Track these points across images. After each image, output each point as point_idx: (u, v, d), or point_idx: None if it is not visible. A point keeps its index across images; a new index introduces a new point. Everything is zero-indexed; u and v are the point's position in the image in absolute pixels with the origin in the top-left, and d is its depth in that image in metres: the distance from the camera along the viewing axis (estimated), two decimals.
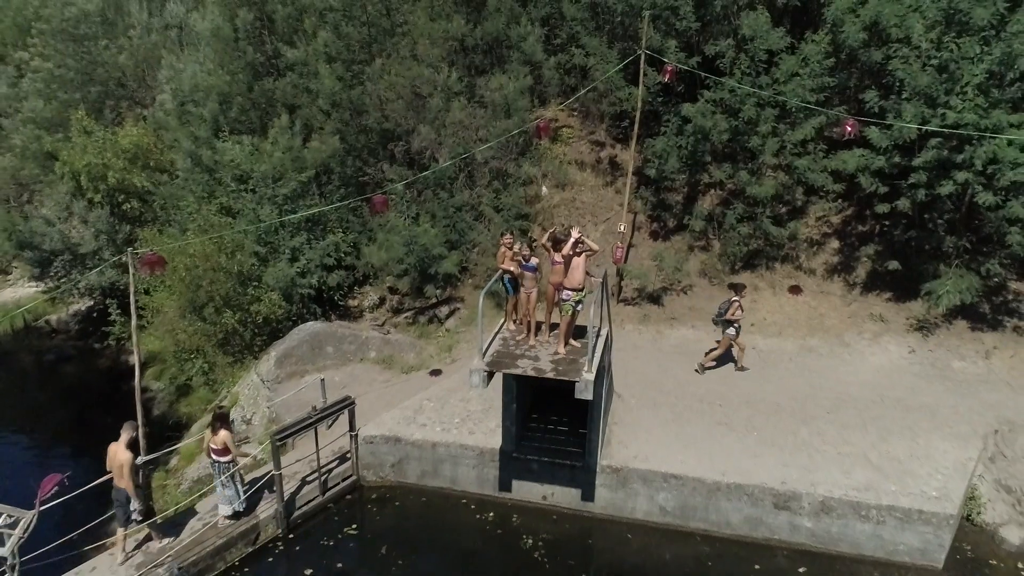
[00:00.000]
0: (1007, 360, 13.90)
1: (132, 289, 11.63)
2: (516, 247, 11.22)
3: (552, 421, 12.68)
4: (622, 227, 16.16)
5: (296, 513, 11.54)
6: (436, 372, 14.95)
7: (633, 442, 11.95)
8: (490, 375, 10.13)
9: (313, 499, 11.87)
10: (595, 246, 10.61)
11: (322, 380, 12.80)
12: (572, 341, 10.72)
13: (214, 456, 10.51)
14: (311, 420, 11.47)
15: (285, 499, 11.31)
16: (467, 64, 18.98)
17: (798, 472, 11.17)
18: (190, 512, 11.37)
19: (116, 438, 9.72)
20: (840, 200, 16.46)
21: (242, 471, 11.03)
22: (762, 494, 10.97)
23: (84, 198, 21.55)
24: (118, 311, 20.91)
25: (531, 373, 10.06)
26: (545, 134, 16.28)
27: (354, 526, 11.74)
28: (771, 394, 13.27)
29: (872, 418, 12.42)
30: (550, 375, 9.98)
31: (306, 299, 17.41)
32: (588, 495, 11.73)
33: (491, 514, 11.96)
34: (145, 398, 19.87)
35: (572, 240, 10.22)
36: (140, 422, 11.59)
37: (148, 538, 10.49)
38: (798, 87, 14.94)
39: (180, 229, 18.80)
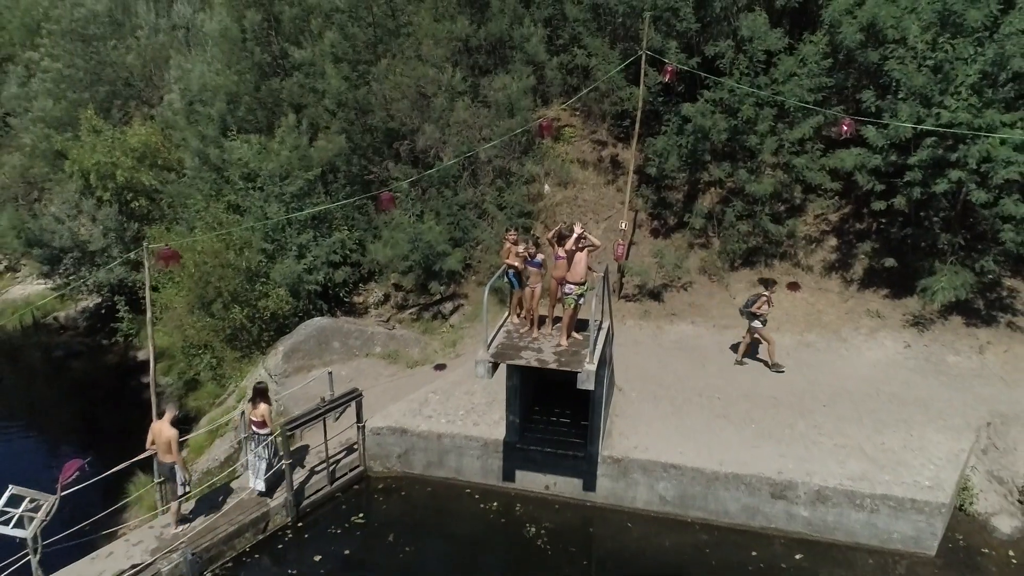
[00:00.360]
0: (1000, 355, 14.16)
1: (147, 283, 11.91)
2: (521, 248, 11.51)
3: (554, 413, 12.97)
4: (623, 225, 16.45)
5: (305, 502, 11.84)
6: (441, 367, 15.23)
7: (633, 433, 12.24)
8: (495, 366, 10.44)
9: (321, 488, 12.17)
10: (597, 242, 10.91)
11: (329, 373, 13.09)
12: (574, 334, 11.03)
13: (254, 428, 11.20)
14: (320, 411, 11.77)
15: (294, 488, 11.60)
16: (471, 64, 19.28)
17: (795, 463, 11.45)
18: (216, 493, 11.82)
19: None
20: (838, 198, 16.71)
21: (279, 445, 11.48)
22: (759, 484, 11.25)
23: (93, 196, 21.91)
24: (126, 308, 21.28)
25: (534, 364, 10.36)
26: (548, 133, 16.57)
27: (361, 515, 12.03)
28: (769, 388, 13.54)
29: (868, 411, 12.69)
30: (553, 366, 10.28)
31: (312, 295, 17.71)
32: (590, 485, 12.02)
33: (495, 503, 12.26)
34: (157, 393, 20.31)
35: (575, 235, 10.51)
36: (155, 413, 11.93)
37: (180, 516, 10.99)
38: (796, 87, 15.21)
39: (188, 227, 19.11)
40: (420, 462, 12.82)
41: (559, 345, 10.80)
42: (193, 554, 10.18)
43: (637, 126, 16.59)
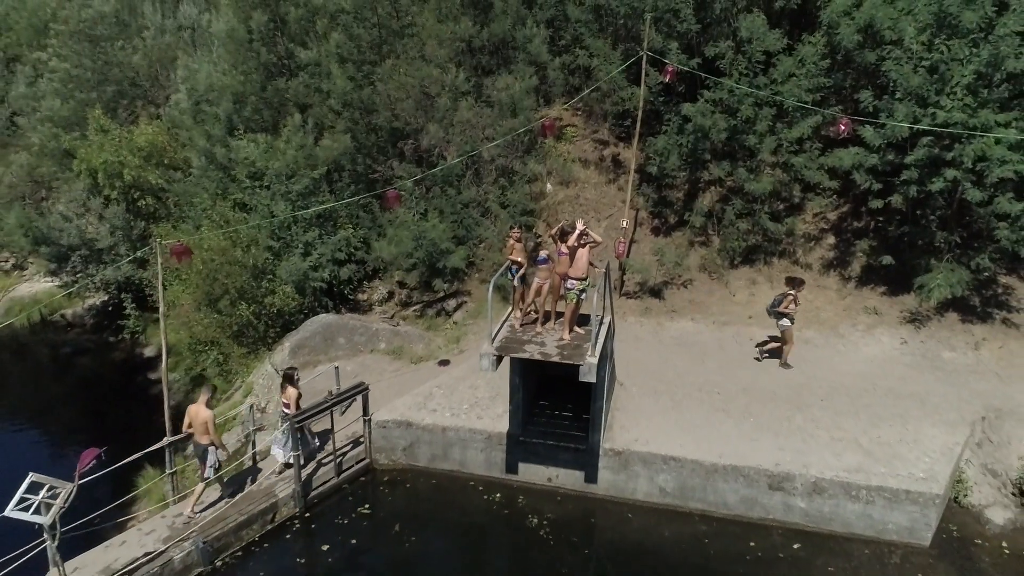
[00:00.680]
0: (996, 351, 14.39)
1: (160, 278, 12.16)
2: (527, 246, 11.78)
3: (557, 407, 13.22)
4: (624, 223, 16.71)
5: (312, 493, 12.08)
6: (444, 362, 15.47)
7: (634, 427, 12.48)
8: (499, 359, 10.68)
9: (328, 480, 12.41)
10: (598, 238, 11.16)
11: (336, 367, 13.37)
12: (576, 328, 11.27)
13: (283, 409, 11.99)
14: (327, 404, 12.02)
15: (302, 480, 11.85)
16: (474, 65, 19.54)
17: (792, 455, 11.69)
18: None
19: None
20: (836, 197, 16.97)
21: (310, 425, 12.23)
22: (757, 475, 11.49)
23: (100, 195, 22.17)
24: (133, 305, 21.54)
25: (537, 357, 10.62)
26: (550, 132, 16.81)
27: (367, 506, 12.27)
28: (767, 383, 13.77)
29: (864, 405, 12.91)
30: (555, 359, 10.53)
31: (318, 292, 17.96)
32: (591, 477, 12.26)
33: (498, 495, 12.50)
34: (162, 389, 20.57)
35: (577, 232, 10.76)
36: (167, 406, 12.21)
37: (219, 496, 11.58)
38: (795, 87, 15.46)
39: (194, 225, 19.37)
40: (425, 455, 13.07)
41: (561, 339, 11.06)
42: (204, 543, 10.43)
43: (638, 126, 16.86)
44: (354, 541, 11.45)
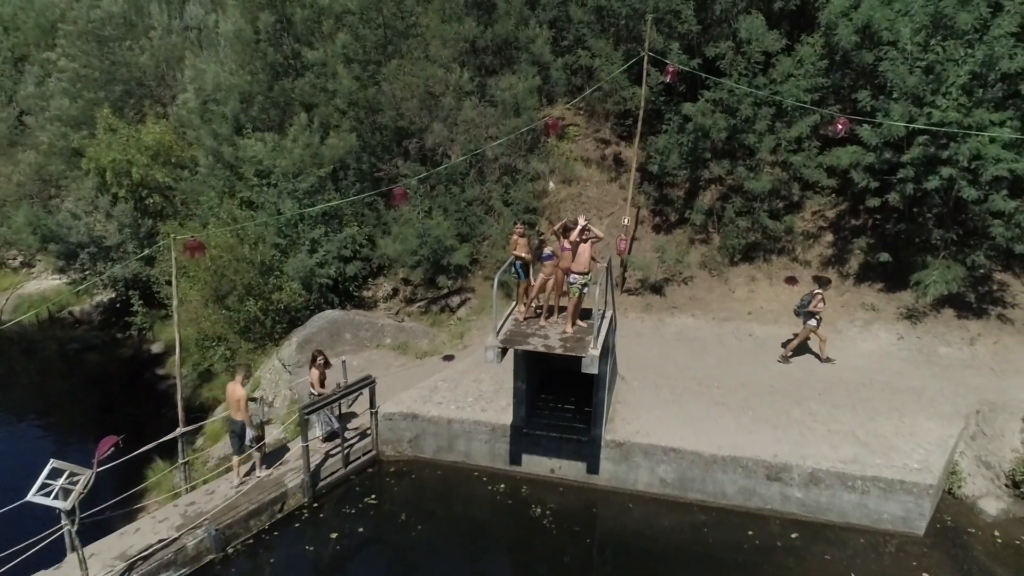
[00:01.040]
0: (990, 346, 14.64)
1: (175, 272, 12.43)
2: (530, 242, 12.08)
3: (559, 400, 13.50)
4: (626, 220, 16.99)
5: (320, 484, 12.36)
6: (449, 357, 15.74)
7: (635, 419, 12.75)
8: (503, 351, 10.95)
9: (336, 471, 12.68)
10: (600, 233, 11.43)
11: (343, 361, 13.63)
12: (579, 322, 11.54)
13: (310, 390, 12.79)
14: (335, 396, 12.31)
15: (311, 470, 12.13)
16: (478, 65, 19.83)
17: (790, 447, 11.95)
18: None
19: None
20: (834, 195, 17.23)
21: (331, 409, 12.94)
22: (755, 466, 11.75)
23: (109, 193, 22.45)
24: (140, 302, 21.83)
25: (541, 349, 10.89)
26: (553, 131, 17.09)
27: (374, 496, 12.54)
28: (766, 377, 14.05)
29: (861, 399, 13.19)
30: (559, 351, 10.80)
31: (324, 289, 18.23)
32: (593, 468, 12.53)
33: (502, 486, 12.77)
34: (169, 384, 20.94)
35: (579, 227, 11.03)
36: (180, 397, 12.49)
37: (252, 468, 12.19)
38: (793, 87, 15.73)
39: (201, 223, 19.65)
40: (430, 446, 13.34)
41: (564, 332, 11.33)
42: (216, 530, 10.71)
43: (639, 125, 17.14)
44: (361, 530, 11.74)
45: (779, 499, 11.78)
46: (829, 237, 17.33)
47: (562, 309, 11.95)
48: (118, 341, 23.83)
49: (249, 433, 11.70)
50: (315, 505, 12.18)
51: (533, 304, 12.14)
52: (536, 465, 12.89)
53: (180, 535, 10.65)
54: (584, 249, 11.13)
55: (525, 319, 12.01)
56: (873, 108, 14.94)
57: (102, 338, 24.28)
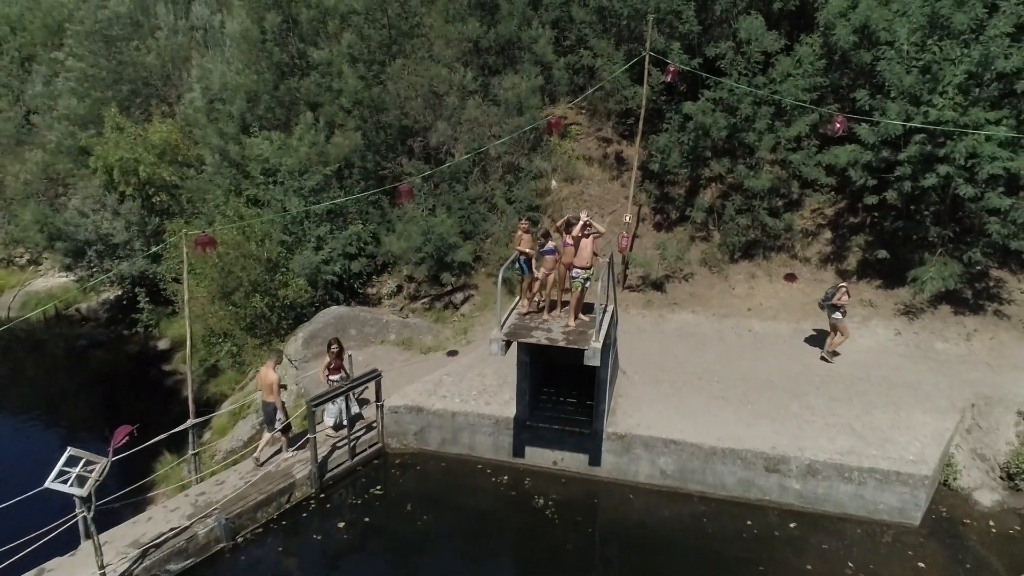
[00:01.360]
0: (987, 342, 14.86)
1: (185, 267, 12.68)
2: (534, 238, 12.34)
3: (562, 394, 13.73)
4: (627, 218, 17.22)
5: (327, 475, 12.59)
6: (453, 353, 15.97)
7: (636, 412, 12.98)
8: (508, 344, 11.19)
9: (342, 463, 12.92)
10: (601, 228, 11.67)
11: (350, 355, 13.86)
12: (581, 315, 11.79)
13: (329, 378, 13.08)
14: (343, 389, 12.55)
15: (318, 462, 12.37)
16: (481, 64, 20.09)
17: (788, 439, 12.17)
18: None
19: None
20: (833, 193, 17.45)
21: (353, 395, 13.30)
22: (754, 458, 11.98)
23: (116, 191, 22.72)
24: (147, 299, 22.11)
25: (544, 342, 11.13)
26: (555, 130, 17.33)
27: (379, 487, 12.79)
28: (765, 372, 14.27)
29: (858, 393, 13.41)
30: (561, 344, 11.04)
31: (329, 285, 18.48)
32: (595, 460, 12.76)
33: (505, 477, 13.00)
34: (176, 380, 21.24)
35: (581, 223, 11.28)
36: (191, 389, 12.74)
37: (279, 450, 12.75)
38: (792, 87, 15.96)
39: (207, 221, 19.90)
40: (435, 439, 13.58)
41: (567, 326, 11.57)
42: (227, 519, 10.95)
43: (641, 124, 17.38)
44: (367, 519, 11.97)
45: (777, 490, 12.00)
46: (828, 234, 17.55)
47: (565, 304, 12.19)
48: (124, 338, 24.14)
49: (279, 415, 12.23)
50: (322, 496, 12.41)
51: (536, 299, 12.37)
52: (539, 457, 13.13)
53: (191, 524, 10.89)
54: (586, 244, 11.38)
55: (528, 313, 12.25)
56: (871, 107, 15.17)
57: (109, 335, 24.60)
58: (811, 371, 14.27)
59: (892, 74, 14.51)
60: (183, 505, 11.41)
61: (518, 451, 13.15)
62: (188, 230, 13.82)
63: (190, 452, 12.35)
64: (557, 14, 20.22)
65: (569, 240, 11.43)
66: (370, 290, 19.85)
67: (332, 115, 19.72)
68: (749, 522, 11.74)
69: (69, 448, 9.12)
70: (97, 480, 9.14)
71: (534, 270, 12.40)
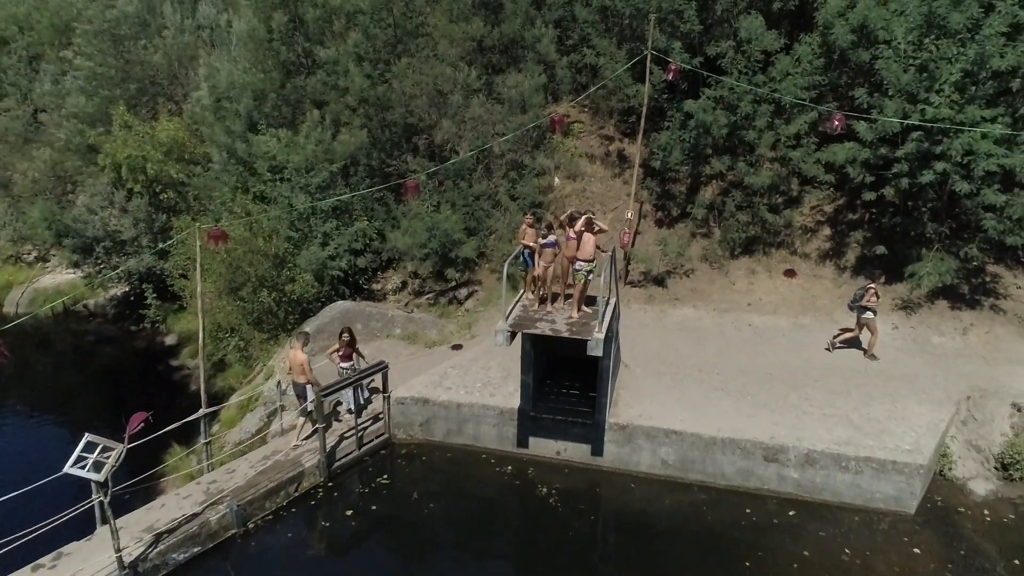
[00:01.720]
0: (983, 336, 15.11)
1: (198, 260, 12.95)
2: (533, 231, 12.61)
3: (564, 386, 13.99)
4: (629, 215, 17.48)
5: (335, 464, 12.86)
6: (457, 347, 16.23)
7: (638, 404, 13.24)
8: (512, 335, 11.46)
9: (350, 453, 13.19)
10: (605, 227, 11.93)
11: (357, 348, 14.12)
12: (584, 307, 12.06)
13: (341, 366, 13.47)
14: (350, 380, 12.82)
15: (326, 452, 12.64)
16: (485, 63, 20.36)
17: (786, 429, 12.43)
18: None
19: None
20: (832, 190, 17.70)
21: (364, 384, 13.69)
22: (753, 448, 12.23)
23: (124, 188, 23.01)
24: (154, 295, 22.40)
25: (548, 333, 11.40)
26: (558, 128, 17.59)
27: (386, 476, 13.05)
28: (764, 365, 14.52)
29: (856, 386, 13.66)
30: (565, 334, 11.31)
31: (335, 281, 18.76)
32: (597, 450, 13.02)
33: (509, 467, 13.26)
34: (182, 375, 21.52)
35: (584, 218, 11.55)
36: (202, 380, 13.02)
37: (314, 432, 12.92)
38: (791, 85, 16.21)
39: (214, 218, 20.18)
40: (441, 430, 13.85)
41: (570, 317, 11.84)
42: (238, 506, 11.22)
43: (642, 122, 17.65)
44: (375, 507, 12.24)
45: (776, 479, 12.25)
46: (827, 231, 17.80)
47: (568, 296, 12.46)
48: (132, 334, 24.42)
49: (310, 394, 12.56)
50: (330, 485, 12.66)
51: (539, 291, 12.64)
52: (542, 447, 13.39)
53: (203, 510, 11.15)
54: (589, 238, 11.66)
55: (532, 306, 12.51)
56: (869, 105, 15.42)
57: (116, 331, 24.87)
58: (809, 364, 14.53)
59: (890, 72, 14.76)
60: (195, 492, 11.68)
61: (522, 441, 13.41)
62: (201, 223, 14.06)
63: (202, 440, 12.63)
64: (560, 13, 20.48)
65: (572, 234, 11.70)
66: (375, 286, 20.13)
67: (338, 113, 19.99)
68: (748, 510, 11.99)
69: (86, 434, 9.39)
70: (113, 466, 9.39)
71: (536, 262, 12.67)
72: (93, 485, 9.74)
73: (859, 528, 11.61)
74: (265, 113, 20.60)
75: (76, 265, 24.81)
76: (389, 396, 13.62)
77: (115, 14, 24.85)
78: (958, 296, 15.79)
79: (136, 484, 11.45)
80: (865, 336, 14.81)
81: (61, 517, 9.81)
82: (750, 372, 14.22)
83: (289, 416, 14.38)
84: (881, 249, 16.24)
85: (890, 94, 14.94)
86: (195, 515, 11.02)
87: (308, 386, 12.70)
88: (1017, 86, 14.24)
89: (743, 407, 13.08)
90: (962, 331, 15.25)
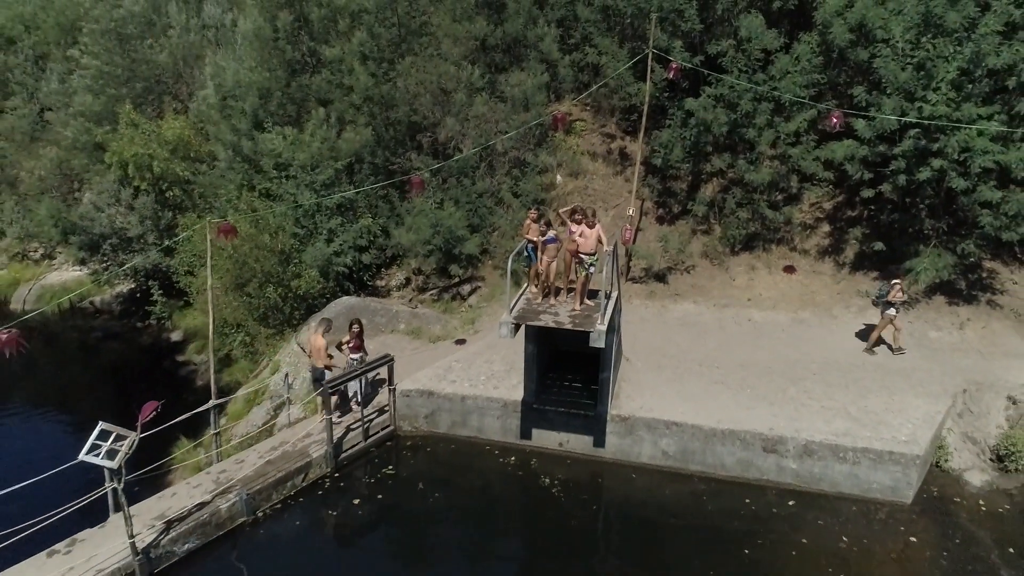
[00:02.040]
0: (979, 331, 15.31)
1: (208, 254, 13.18)
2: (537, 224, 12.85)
3: (567, 379, 14.22)
4: (630, 211, 17.70)
5: (342, 455, 13.10)
6: (461, 341, 16.45)
7: (639, 396, 13.46)
8: (516, 327, 11.70)
9: (356, 445, 13.42)
10: (604, 239, 12.17)
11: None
12: (587, 300, 12.29)
13: (351, 356, 13.81)
14: (357, 373, 13.05)
15: (333, 443, 12.86)
16: (488, 62, 20.60)
17: (785, 421, 12.65)
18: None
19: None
20: (831, 187, 17.91)
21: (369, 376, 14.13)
22: (753, 439, 12.45)
23: (131, 186, 23.24)
24: (160, 292, 22.64)
25: (552, 324, 11.63)
26: (561, 126, 17.81)
27: (391, 467, 13.27)
28: (764, 359, 14.73)
29: (854, 379, 13.86)
30: (568, 326, 11.54)
31: (340, 277, 18.99)
32: (599, 442, 13.25)
33: (513, 458, 13.50)
34: (188, 371, 21.75)
35: (579, 216, 11.85)
36: (212, 372, 13.23)
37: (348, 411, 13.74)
38: (791, 83, 16.43)
39: (219, 215, 20.41)
40: (445, 422, 14.08)
41: (573, 310, 12.07)
42: (248, 494, 11.45)
43: (644, 120, 17.87)
44: (380, 496, 12.47)
45: (775, 470, 12.47)
46: (826, 227, 18.01)
47: (570, 290, 12.69)
48: (138, 330, 24.67)
49: (328, 376, 12.98)
50: (336, 475, 12.90)
51: (543, 286, 12.87)
52: (545, 439, 13.62)
53: (213, 498, 11.38)
54: (590, 233, 11.89)
55: (535, 299, 12.74)
56: (867, 103, 15.62)
57: (122, 327, 25.12)
58: (808, 358, 14.73)
59: (887, 71, 14.97)
60: (205, 482, 11.91)
61: (525, 433, 13.63)
62: (211, 218, 14.30)
63: (212, 431, 12.86)
64: (562, 13, 20.71)
65: (574, 228, 11.93)
66: (379, 282, 20.36)
67: (343, 111, 20.23)
68: (747, 500, 12.21)
69: (100, 423, 9.61)
70: (127, 453, 9.62)
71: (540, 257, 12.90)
72: (107, 472, 9.98)
73: (857, 517, 11.82)
74: (270, 111, 20.83)
75: (83, 262, 25.06)
76: (395, 389, 13.85)
77: (121, 13, 25.12)
78: (955, 291, 16.00)
79: (145, 474, 11.70)
80: (889, 332, 14.88)
81: (75, 504, 10.01)
82: (749, 366, 14.43)
83: (296, 409, 14.65)
84: (879, 245, 16.45)
85: (888, 92, 15.15)
86: (205, 503, 11.25)
87: (326, 370, 13.07)
88: (1012, 84, 14.45)
89: (743, 399, 13.30)
90: (959, 326, 15.45)
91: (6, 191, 30.53)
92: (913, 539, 11.33)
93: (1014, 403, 13.34)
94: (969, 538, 11.36)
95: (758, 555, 10.93)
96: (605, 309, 11.58)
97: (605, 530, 12.18)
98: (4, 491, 9.36)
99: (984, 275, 16.12)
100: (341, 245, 18.79)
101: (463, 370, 14.57)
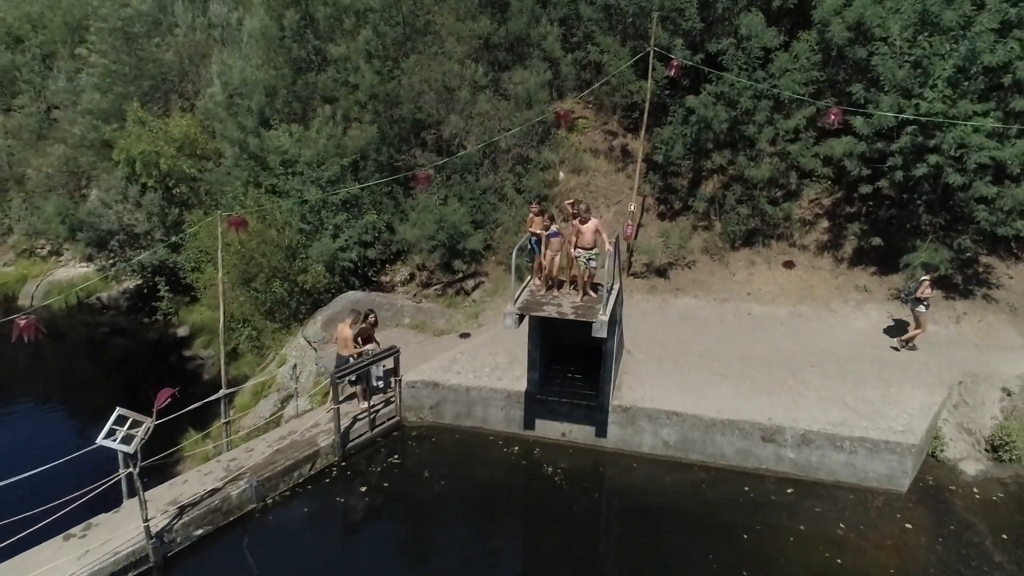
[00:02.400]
0: (975, 324, 15.55)
1: (219, 247, 13.44)
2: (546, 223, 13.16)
3: (569, 371, 14.49)
4: (632, 208, 17.95)
5: (349, 445, 13.37)
6: (465, 335, 16.71)
7: (640, 387, 13.72)
8: (521, 317, 11.96)
9: (363, 434, 13.70)
10: (607, 239, 12.43)
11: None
12: (590, 292, 12.55)
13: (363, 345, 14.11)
14: (364, 363, 13.32)
15: (340, 432, 13.13)
16: (492, 60, 20.87)
17: (783, 411, 12.91)
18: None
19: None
20: (830, 183, 18.16)
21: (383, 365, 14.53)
22: (752, 429, 12.71)
23: (138, 183, 23.53)
24: (167, 288, 22.92)
25: (555, 315, 11.90)
26: (563, 123, 18.06)
27: (397, 456, 13.56)
28: (763, 352, 14.97)
29: (851, 371, 14.10)
30: (571, 317, 11.81)
31: (346, 272, 19.26)
32: (601, 432, 13.52)
33: (516, 448, 13.77)
34: (195, 365, 22.02)
35: (574, 211, 12.15)
36: (223, 363, 13.50)
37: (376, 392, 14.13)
38: (790, 81, 16.68)
39: (226, 211, 20.66)
40: (450, 412, 14.35)
41: (576, 301, 12.33)
42: (258, 482, 11.73)
43: (645, 117, 18.12)
44: (387, 485, 12.75)
45: (773, 459, 12.73)
46: (825, 223, 18.25)
47: (573, 282, 12.96)
48: (145, 325, 24.89)
49: (356, 362, 13.37)
50: (343, 464, 13.18)
51: (546, 278, 13.14)
52: (548, 429, 13.88)
53: (224, 485, 11.66)
54: (588, 228, 12.16)
55: (539, 291, 13.01)
56: (865, 100, 15.87)
57: (129, 322, 25.35)
58: (807, 350, 14.97)
59: (885, 68, 15.23)
60: (216, 469, 12.19)
61: (528, 423, 13.90)
62: (222, 212, 14.56)
63: (222, 420, 13.13)
64: (565, 12, 20.97)
65: (575, 222, 12.20)
66: (384, 277, 20.62)
67: (348, 109, 20.50)
68: (746, 488, 12.48)
69: (117, 408, 9.89)
70: (143, 439, 9.89)
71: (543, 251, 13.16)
72: (122, 457, 10.27)
73: (853, 505, 12.08)
74: (277, 109, 21.11)
75: (90, 258, 25.34)
76: (400, 380, 14.11)
77: (128, 12, 25.40)
78: (952, 286, 16.23)
79: (155, 461, 11.95)
80: (919, 331, 14.93)
81: (92, 489, 10.29)
82: (749, 358, 14.67)
83: (303, 401, 14.93)
84: (877, 240, 16.69)
85: (886, 89, 15.40)
86: (217, 490, 11.53)
87: (350, 358, 13.37)
88: (1007, 81, 14.69)
89: (742, 390, 13.55)
90: (955, 319, 15.69)
91: (14, 188, 30.79)
92: (908, 526, 11.58)
93: (1008, 395, 13.60)
94: (963, 525, 11.62)
95: (757, 541, 11.20)
96: (607, 301, 11.84)
97: (607, 518, 12.46)
98: (20, 476, 9.62)
99: (980, 270, 16.36)
100: (347, 241, 19.05)
101: (467, 362, 14.83)
